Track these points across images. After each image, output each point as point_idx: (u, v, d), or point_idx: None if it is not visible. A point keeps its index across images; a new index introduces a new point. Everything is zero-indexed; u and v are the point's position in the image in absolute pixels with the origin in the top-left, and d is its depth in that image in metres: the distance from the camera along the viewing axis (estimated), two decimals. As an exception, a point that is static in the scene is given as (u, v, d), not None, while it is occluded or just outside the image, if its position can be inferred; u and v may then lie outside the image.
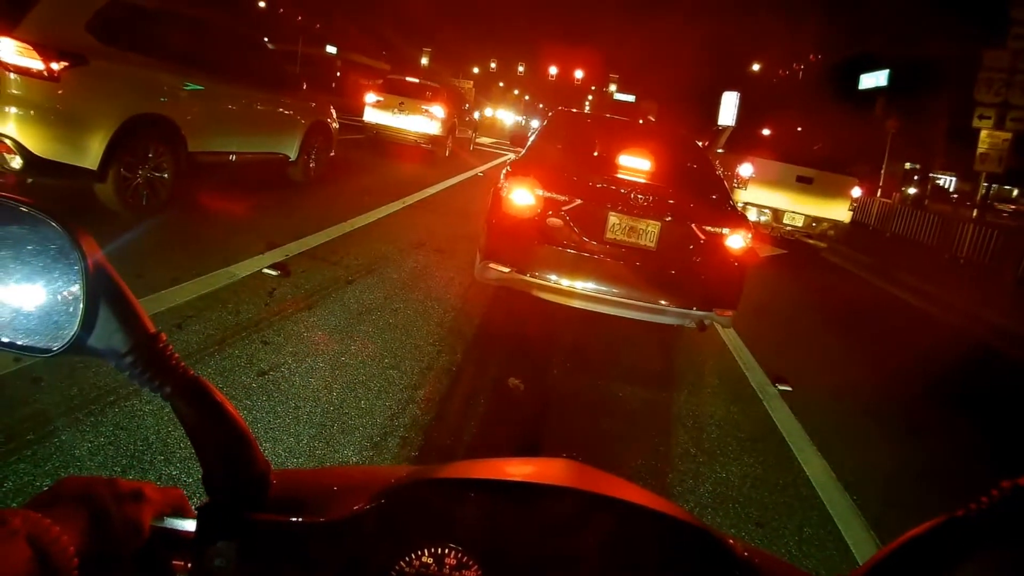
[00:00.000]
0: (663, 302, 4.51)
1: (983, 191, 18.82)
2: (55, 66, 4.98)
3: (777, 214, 11.32)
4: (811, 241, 11.77)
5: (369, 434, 3.01)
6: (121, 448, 2.54)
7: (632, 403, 4.05)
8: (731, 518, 2.97)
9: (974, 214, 17.47)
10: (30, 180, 5.10)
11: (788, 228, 11.47)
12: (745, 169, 11.33)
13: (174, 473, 2.45)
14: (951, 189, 44.89)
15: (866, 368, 5.92)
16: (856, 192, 11.73)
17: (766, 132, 13.26)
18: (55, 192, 5.71)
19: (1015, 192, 51.66)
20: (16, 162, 4.92)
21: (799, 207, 11.34)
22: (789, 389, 4.67)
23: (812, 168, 11.36)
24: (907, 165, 39.32)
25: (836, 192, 11.39)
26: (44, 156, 5.01)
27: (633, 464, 3.29)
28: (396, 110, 15.20)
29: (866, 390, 5.23)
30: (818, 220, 11.35)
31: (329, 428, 3.00)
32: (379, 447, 2.92)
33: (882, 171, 23.76)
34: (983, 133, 16.39)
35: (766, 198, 11.29)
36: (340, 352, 3.83)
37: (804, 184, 11.29)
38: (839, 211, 11.41)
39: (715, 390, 4.54)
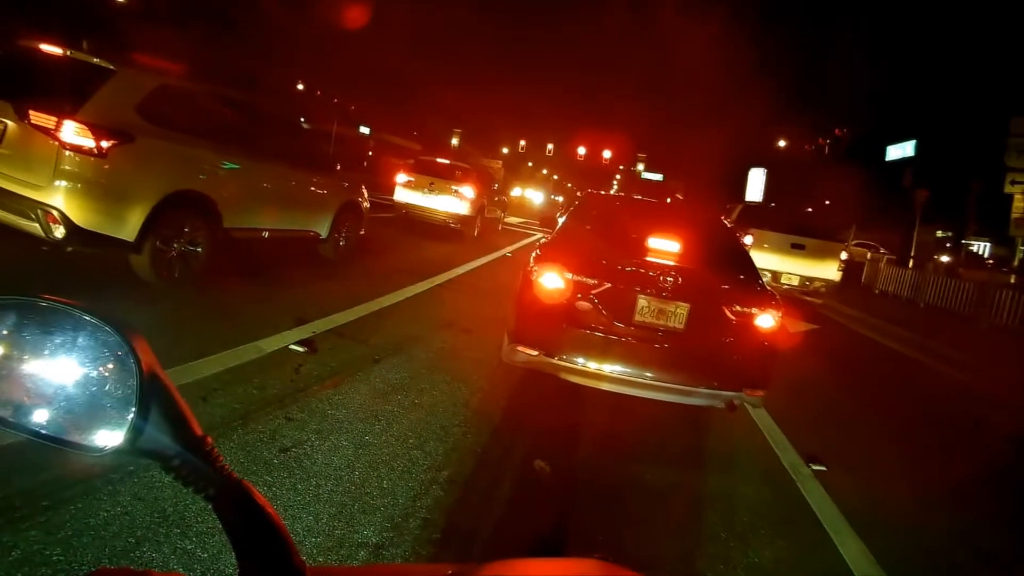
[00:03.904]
0: (692, 384, 4.44)
1: (1020, 255, 18.72)
2: (104, 144, 5.19)
3: (775, 275, 13.17)
4: (807, 297, 13.56)
5: (390, 515, 2.93)
6: (137, 519, 2.50)
7: (660, 485, 3.93)
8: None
9: (1012, 279, 17.26)
10: (69, 248, 5.22)
11: (786, 287, 13.27)
12: (747, 239, 12.99)
13: (190, 547, 2.39)
14: (986, 255, 44.74)
15: (903, 445, 5.74)
16: (843, 255, 13.75)
17: (772, 206, 16.39)
18: (91, 261, 5.83)
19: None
20: (59, 231, 5.08)
21: (794, 269, 13.44)
22: (823, 469, 4.51)
23: (804, 236, 13.60)
24: (939, 233, 39.23)
25: (826, 255, 13.49)
26: (85, 227, 5.16)
27: (662, 549, 3.16)
28: (426, 190, 15.51)
29: (904, 468, 5.05)
30: (811, 279, 13.42)
31: (350, 507, 2.93)
32: (400, 528, 2.84)
33: (914, 239, 23.67)
34: (1016, 198, 16.52)
35: (766, 262, 12.85)
36: (364, 431, 3.78)
37: (798, 250, 13.49)
38: (829, 271, 13.46)
39: (746, 471, 4.41)
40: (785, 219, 14.37)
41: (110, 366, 0.65)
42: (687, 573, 3.00)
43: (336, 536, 2.70)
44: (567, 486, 3.70)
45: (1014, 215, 16.80)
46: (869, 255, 22.50)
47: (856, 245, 23.75)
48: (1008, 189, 16.77)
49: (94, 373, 0.66)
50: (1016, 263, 18.85)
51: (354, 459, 3.41)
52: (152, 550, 2.36)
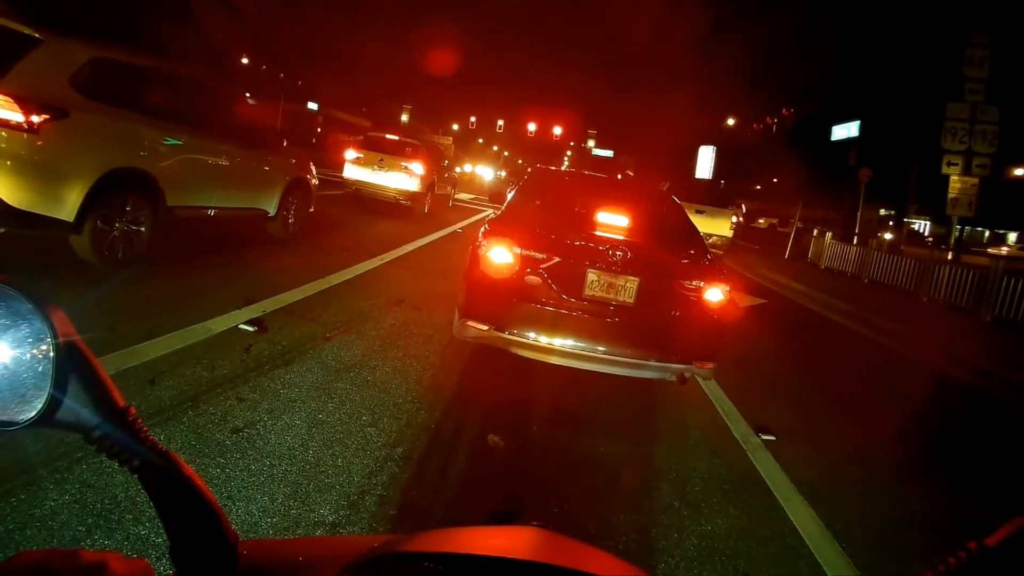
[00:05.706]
0: (643, 357, 4.51)
1: (956, 234, 19.65)
2: (35, 119, 4.97)
3: None
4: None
5: (346, 492, 2.94)
6: (87, 507, 2.46)
7: (614, 458, 4.00)
8: (718, 571, 2.92)
9: (949, 256, 18.13)
10: (2, 230, 5.03)
11: None
12: None
13: (143, 532, 2.37)
14: (926, 233, 46.41)
15: (849, 414, 5.95)
16: (734, 219, 19.42)
17: (722, 183, 20.82)
18: (29, 243, 5.64)
19: (987, 234, 53.66)
20: (-10, 213, 4.87)
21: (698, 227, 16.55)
22: (773, 438, 4.65)
23: (704, 204, 18.92)
24: (881, 211, 40.49)
25: (719, 217, 18.81)
26: (19, 207, 4.96)
27: (616, 519, 3.23)
28: (376, 167, 15.31)
29: (850, 436, 5.26)
30: (709, 235, 17.46)
31: (305, 487, 2.93)
32: (356, 506, 2.85)
33: (858, 217, 24.41)
34: (952, 179, 17.44)
35: None
36: (317, 409, 3.77)
37: (700, 214, 18.03)
38: (723, 229, 18.72)
39: (697, 442, 4.50)
40: (692, 191, 20.22)
41: (24, 336, 0.62)
42: (642, 542, 3.08)
43: (292, 516, 2.70)
44: (521, 460, 3.75)
45: (950, 195, 17.53)
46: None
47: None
48: (945, 170, 17.49)
49: (6, 343, 0.63)
50: (952, 241, 19.67)
51: (308, 438, 3.40)
52: (104, 537, 2.33)
